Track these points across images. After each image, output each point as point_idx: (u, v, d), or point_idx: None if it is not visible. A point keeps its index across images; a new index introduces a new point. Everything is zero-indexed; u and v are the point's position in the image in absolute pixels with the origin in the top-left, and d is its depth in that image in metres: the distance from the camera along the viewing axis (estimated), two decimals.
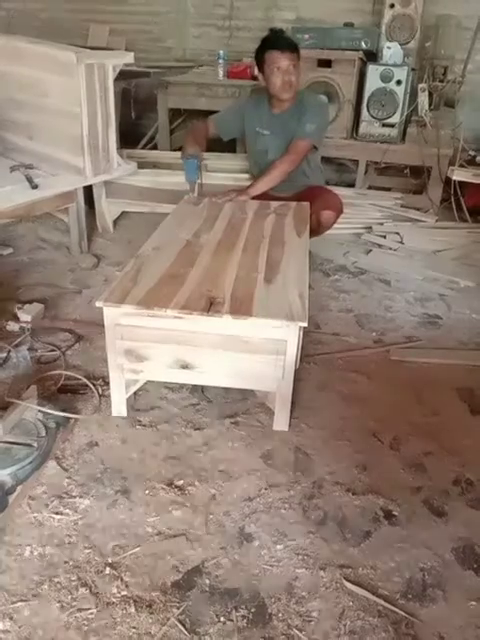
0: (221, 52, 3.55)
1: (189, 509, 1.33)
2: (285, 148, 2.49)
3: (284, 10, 3.98)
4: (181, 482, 1.41)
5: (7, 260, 2.60)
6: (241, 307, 1.45)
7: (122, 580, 1.16)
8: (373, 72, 3.30)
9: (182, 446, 1.53)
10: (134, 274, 1.61)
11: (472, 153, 3.32)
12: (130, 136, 4.04)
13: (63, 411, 1.54)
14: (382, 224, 3.09)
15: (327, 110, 2.83)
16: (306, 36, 3.33)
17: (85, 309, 2.20)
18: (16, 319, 2.03)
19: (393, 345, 2.04)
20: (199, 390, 1.73)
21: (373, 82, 3.31)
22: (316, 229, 2.47)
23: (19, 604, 1.10)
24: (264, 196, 2.48)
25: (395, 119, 3.36)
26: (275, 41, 2.37)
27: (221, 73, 3.53)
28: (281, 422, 1.59)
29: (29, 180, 2.24)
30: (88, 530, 1.26)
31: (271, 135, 2.54)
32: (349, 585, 1.16)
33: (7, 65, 2.48)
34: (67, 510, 1.31)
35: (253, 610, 1.11)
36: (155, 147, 3.87)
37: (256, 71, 2.49)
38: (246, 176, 2.84)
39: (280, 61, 2.34)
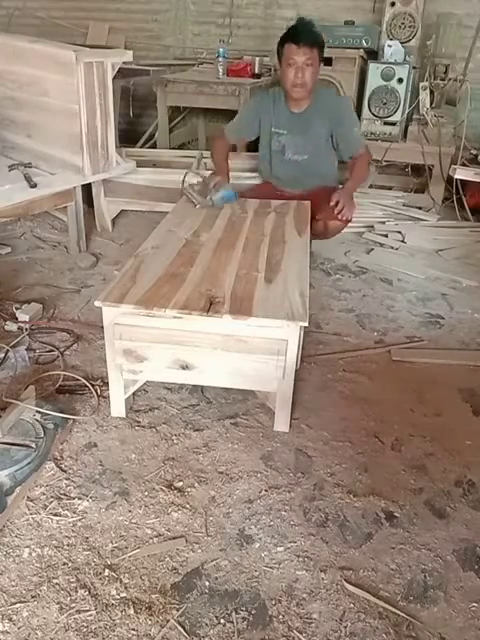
0: (221, 50, 3.53)
1: (189, 511, 1.32)
2: (304, 147, 2.45)
3: (284, 8, 3.96)
4: (180, 483, 1.40)
5: (5, 259, 2.59)
6: (241, 307, 1.44)
7: (121, 582, 1.15)
8: (374, 70, 3.29)
9: (181, 447, 1.52)
10: (133, 273, 1.60)
11: (474, 151, 3.31)
12: (129, 134, 4.04)
13: (61, 412, 1.53)
14: (384, 223, 3.08)
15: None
16: None
17: (84, 309, 2.19)
18: (14, 319, 2.02)
19: (394, 345, 2.03)
20: (199, 391, 1.72)
21: (374, 80, 3.31)
22: (322, 234, 2.43)
23: (18, 605, 1.10)
24: (275, 193, 2.46)
25: (396, 117, 3.35)
26: (295, 33, 2.22)
27: (221, 71, 3.51)
28: (281, 423, 1.58)
29: (28, 179, 2.23)
30: (87, 531, 1.26)
31: (289, 134, 2.46)
32: (350, 587, 1.16)
33: (6, 64, 2.47)
34: (66, 511, 1.30)
35: (253, 612, 1.11)
36: (154, 145, 3.86)
37: (277, 62, 2.38)
38: (247, 174, 2.83)
39: (294, 55, 2.21)
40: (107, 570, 1.17)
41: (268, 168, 2.63)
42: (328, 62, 3.33)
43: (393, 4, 3.34)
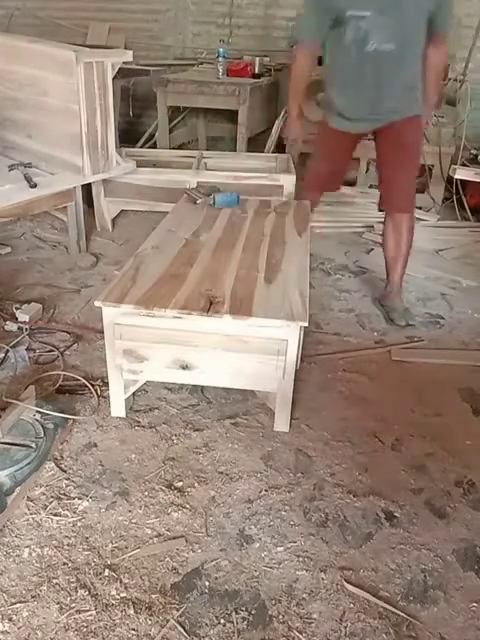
0: (221, 50, 3.53)
1: (189, 511, 1.32)
2: (394, 31, 1.83)
3: (284, 8, 3.96)
4: (180, 483, 1.40)
5: (5, 259, 2.59)
6: (241, 307, 1.44)
7: (121, 582, 1.15)
8: None
9: (181, 447, 1.52)
10: (133, 273, 1.60)
11: (474, 151, 3.31)
12: (129, 134, 4.04)
13: (61, 412, 1.53)
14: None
15: None
16: None
17: (84, 309, 2.19)
18: (14, 319, 2.02)
19: (394, 345, 2.03)
20: (199, 391, 1.72)
21: None
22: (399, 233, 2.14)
23: (18, 605, 1.10)
24: (340, 140, 2.14)
25: None
26: None
27: (221, 71, 3.51)
28: (281, 423, 1.58)
29: (28, 179, 2.23)
30: (87, 531, 1.26)
31: (373, 15, 1.81)
32: (350, 587, 1.16)
33: (6, 64, 2.48)
34: (66, 511, 1.30)
35: (253, 612, 1.11)
36: (154, 145, 3.86)
37: None
38: (250, 174, 2.81)
39: None
40: (107, 570, 1.17)
41: (337, 68, 2.02)
42: None
43: None
